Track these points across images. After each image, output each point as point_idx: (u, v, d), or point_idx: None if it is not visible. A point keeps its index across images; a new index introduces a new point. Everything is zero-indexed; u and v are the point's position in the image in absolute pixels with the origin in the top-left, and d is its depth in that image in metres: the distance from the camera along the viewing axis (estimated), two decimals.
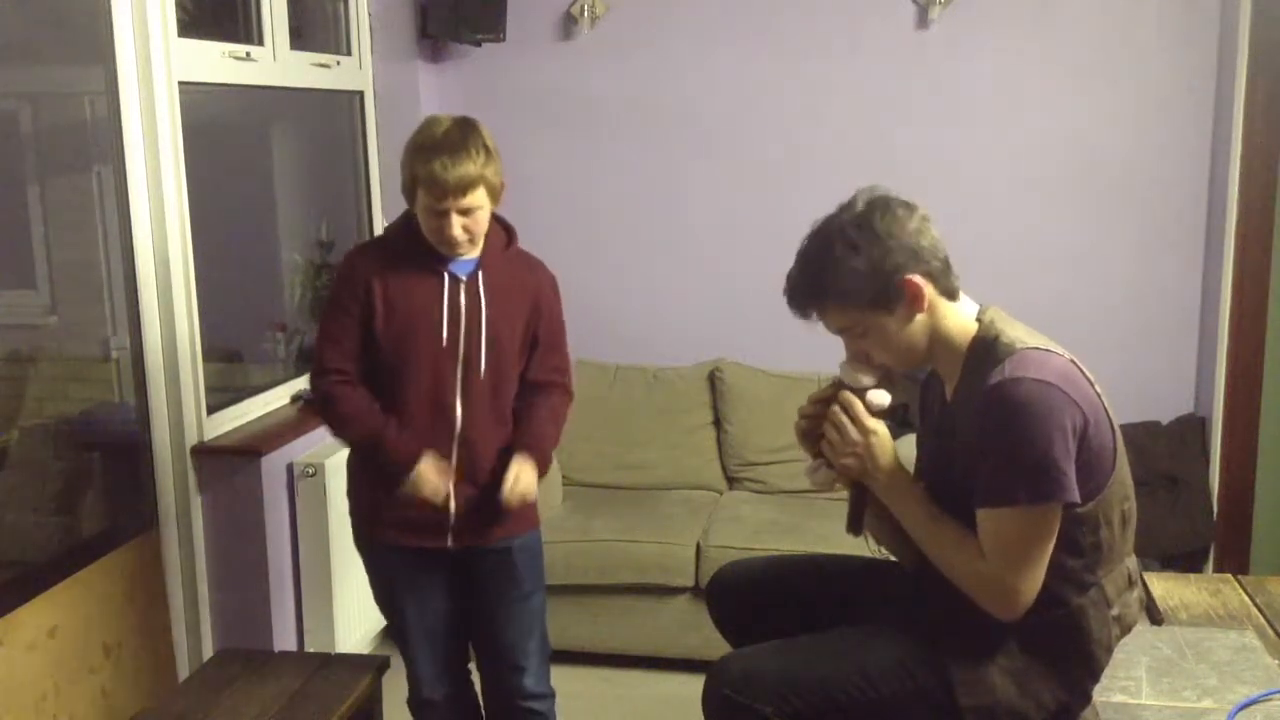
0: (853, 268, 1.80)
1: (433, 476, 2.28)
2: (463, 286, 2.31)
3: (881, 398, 1.91)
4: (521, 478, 2.31)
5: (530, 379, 2.42)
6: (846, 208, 1.86)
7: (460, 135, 2.20)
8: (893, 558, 2.11)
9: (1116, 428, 1.83)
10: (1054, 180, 3.96)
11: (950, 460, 1.89)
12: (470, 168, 2.17)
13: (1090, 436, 1.76)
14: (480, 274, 2.32)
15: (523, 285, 2.38)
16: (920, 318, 1.85)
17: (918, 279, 1.81)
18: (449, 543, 2.38)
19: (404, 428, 2.31)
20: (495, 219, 2.37)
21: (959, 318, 1.88)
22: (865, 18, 4.01)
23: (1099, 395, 1.81)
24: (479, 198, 2.21)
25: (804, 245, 1.89)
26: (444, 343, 2.29)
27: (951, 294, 1.88)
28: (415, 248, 2.29)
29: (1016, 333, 1.84)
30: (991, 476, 1.76)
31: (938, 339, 1.87)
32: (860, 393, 1.91)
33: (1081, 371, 1.81)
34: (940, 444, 1.97)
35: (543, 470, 2.37)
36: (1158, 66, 3.87)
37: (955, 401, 1.90)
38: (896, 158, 3.93)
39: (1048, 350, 1.80)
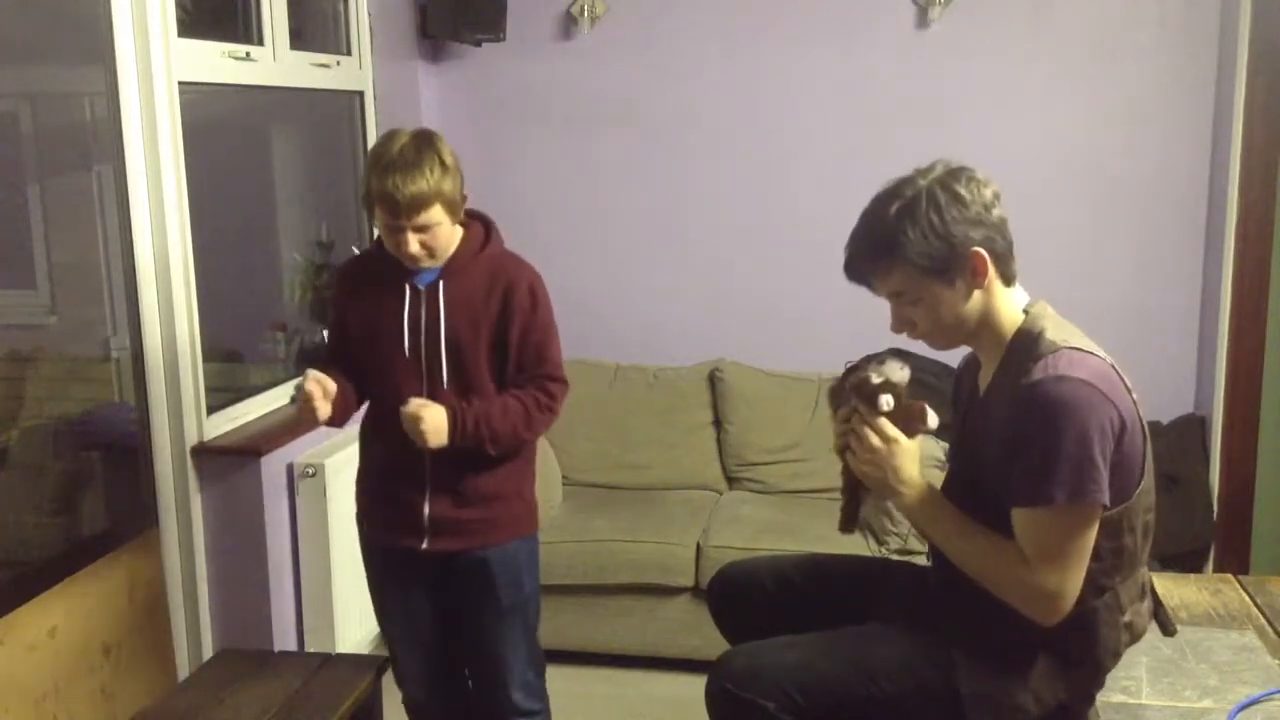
0: (926, 229, 1.77)
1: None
2: (423, 297, 2.29)
3: (899, 376, 1.87)
4: (419, 411, 2.19)
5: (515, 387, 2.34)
6: (924, 171, 1.84)
7: (415, 152, 2.17)
8: (894, 557, 2.12)
9: (1147, 436, 1.81)
10: (1054, 180, 3.96)
11: (979, 453, 1.88)
12: (423, 185, 2.14)
13: (1125, 441, 1.74)
14: (441, 283, 2.29)
15: (491, 287, 2.30)
16: (976, 295, 1.83)
17: (984, 253, 1.79)
18: (424, 544, 2.37)
19: (380, 437, 2.36)
20: (474, 216, 2.35)
21: (1010, 305, 1.86)
22: (865, 18, 4.01)
23: (1135, 403, 1.80)
24: (434, 214, 2.19)
25: (872, 203, 1.85)
26: (406, 354, 2.29)
27: (1009, 279, 1.86)
28: (386, 260, 2.30)
29: (1062, 332, 1.81)
30: (1029, 476, 1.73)
31: (986, 321, 1.85)
32: (898, 393, 1.87)
33: (1120, 377, 1.80)
34: (969, 435, 1.96)
35: (458, 434, 2.22)
36: (1158, 67, 3.87)
37: (989, 392, 1.89)
38: (896, 157, 3.90)
39: (1089, 352, 1.78)
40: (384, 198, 2.16)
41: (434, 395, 2.29)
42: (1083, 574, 1.76)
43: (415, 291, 2.30)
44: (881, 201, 1.84)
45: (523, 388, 2.33)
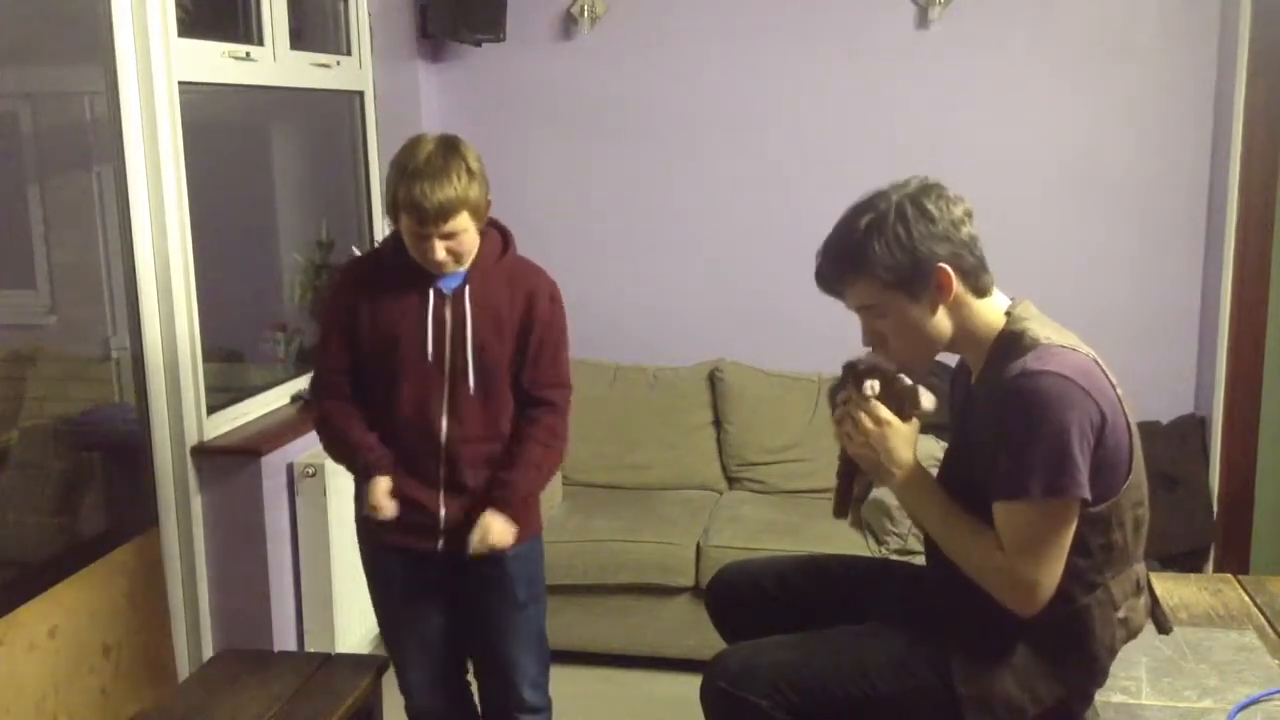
0: (892, 243, 1.79)
1: (376, 494, 2.30)
2: (448, 301, 2.29)
3: (928, 397, 1.89)
4: (490, 532, 2.29)
5: (525, 393, 2.36)
6: (898, 186, 1.85)
7: (443, 159, 2.17)
8: (894, 557, 2.12)
9: (1134, 432, 1.82)
10: (1054, 180, 3.97)
11: (969, 449, 1.89)
12: (452, 192, 2.15)
13: (1107, 436, 1.74)
14: (466, 288, 2.29)
15: (514, 295, 2.33)
16: (942, 311, 1.84)
17: (949, 270, 1.80)
18: (439, 545, 2.37)
19: (390, 440, 2.33)
20: (492, 225, 2.35)
21: (987, 313, 1.86)
22: (865, 18, 4.01)
23: (1119, 398, 1.80)
24: (462, 221, 2.19)
25: (845, 215, 1.87)
26: (429, 358, 2.28)
27: (980, 292, 1.86)
28: (402, 263, 2.28)
29: (1044, 330, 1.82)
30: (1006, 469, 1.74)
31: (963, 333, 1.86)
32: (888, 377, 1.89)
33: (1104, 372, 1.80)
34: (961, 435, 1.97)
35: (518, 518, 2.34)
36: (1158, 66, 3.87)
37: (977, 392, 1.90)
38: (896, 158, 3.91)
39: (1072, 349, 1.79)
40: (412, 206, 2.15)
41: (456, 400, 2.30)
42: (1061, 567, 1.76)
43: (440, 295, 2.29)
44: (853, 214, 1.86)
45: (534, 414, 2.36)
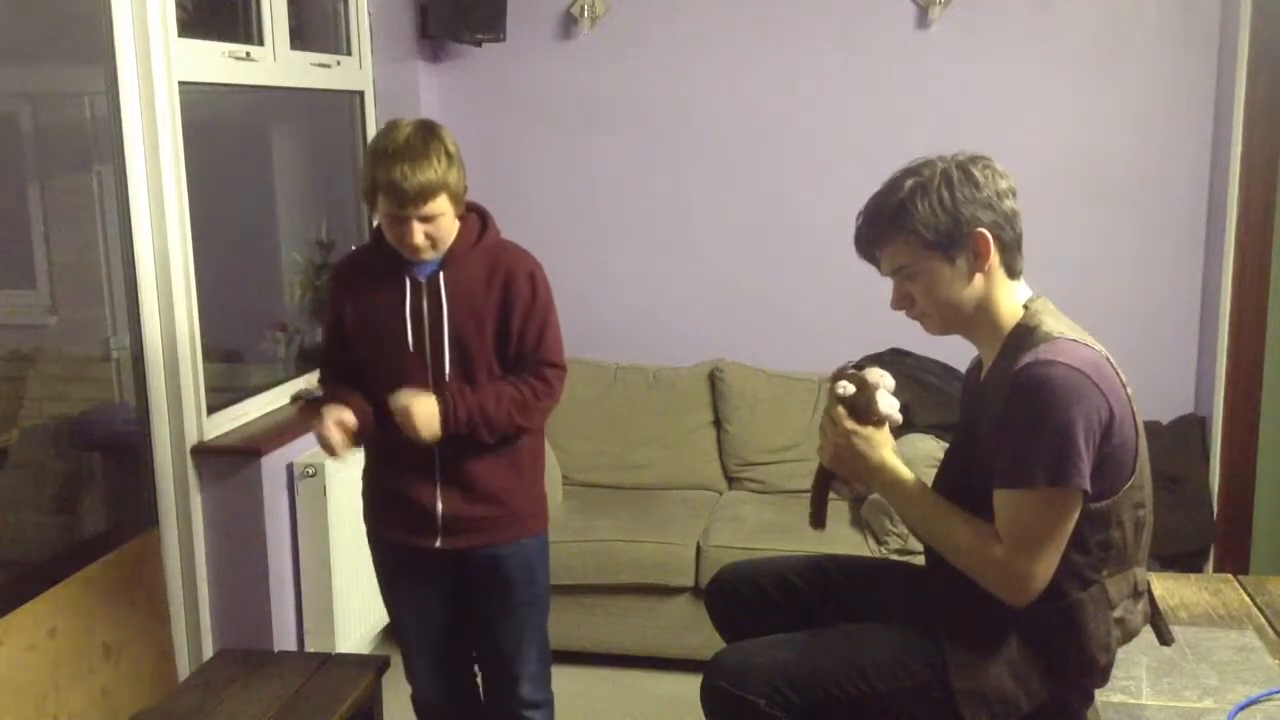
0: (935, 204, 1.81)
1: (324, 424, 2.23)
2: (424, 289, 2.29)
3: (888, 402, 1.91)
4: (410, 399, 2.20)
5: (516, 373, 2.34)
6: (946, 156, 1.88)
7: (422, 142, 2.16)
8: (894, 557, 2.12)
9: (1141, 432, 1.82)
10: (1054, 180, 3.96)
11: (974, 443, 1.89)
12: (431, 175, 2.14)
13: (1114, 433, 1.75)
14: (441, 275, 2.29)
15: (491, 278, 2.30)
16: (977, 279, 1.85)
17: (988, 235, 1.82)
18: (437, 542, 2.37)
19: (386, 435, 2.31)
20: (471, 208, 2.34)
21: (1011, 298, 1.88)
22: (865, 18, 4.01)
23: (1129, 398, 1.81)
24: (440, 204, 2.19)
25: (892, 177, 1.89)
26: (411, 348, 2.28)
27: (1013, 272, 1.88)
28: (383, 254, 2.29)
29: (1059, 325, 1.83)
30: (1011, 457, 1.75)
31: (986, 311, 1.87)
32: (861, 382, 1.91)
33: (1115, 370, 1.81)
34: (968, 428, 1.98)
35: (450, 424, 2.23)
36: (1158, 67, 3.87)
37: (986, 383, 1.91)
38: (896, 158, 3.92)
39: (1085, 344, 1.80)
40: (390, 187, 2.15)
41: (440, 389, 2.28)
42: (1056, 558, 1.77)
43: (416, 284, 2.29)
44: (899, 176, 1.88)
45: (521, 375, 2.34)
